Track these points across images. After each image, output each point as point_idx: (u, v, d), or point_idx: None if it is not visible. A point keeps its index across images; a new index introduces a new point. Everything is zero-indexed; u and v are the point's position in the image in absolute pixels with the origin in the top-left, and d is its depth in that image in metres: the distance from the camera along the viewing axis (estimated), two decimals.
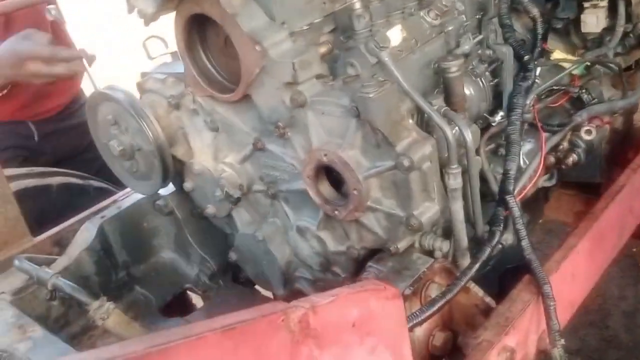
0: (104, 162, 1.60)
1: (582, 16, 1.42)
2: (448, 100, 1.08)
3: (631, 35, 1.49)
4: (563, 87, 1.41)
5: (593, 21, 1.41)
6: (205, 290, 1.52)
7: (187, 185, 1.34)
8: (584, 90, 1.48)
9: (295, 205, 1.21)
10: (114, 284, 1.46)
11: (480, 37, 1.22)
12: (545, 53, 1.45)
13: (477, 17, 1.23)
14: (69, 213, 1.89)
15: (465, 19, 1.19)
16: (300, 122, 1.07)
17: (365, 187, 1.01)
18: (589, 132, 1.31)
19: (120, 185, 2.20)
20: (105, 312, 1.20)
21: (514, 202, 1.08)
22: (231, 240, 1.46)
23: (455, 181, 1.01)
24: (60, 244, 1.57)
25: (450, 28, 1.17)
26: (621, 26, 1.42)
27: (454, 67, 1.07)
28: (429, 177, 0.98)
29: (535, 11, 1.45)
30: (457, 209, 1.04)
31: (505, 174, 1.13)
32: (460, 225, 1.05)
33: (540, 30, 1.44)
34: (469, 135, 1.00)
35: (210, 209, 1.34)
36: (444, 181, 1.02)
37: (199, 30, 1.16)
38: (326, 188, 1.09)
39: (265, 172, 1.22)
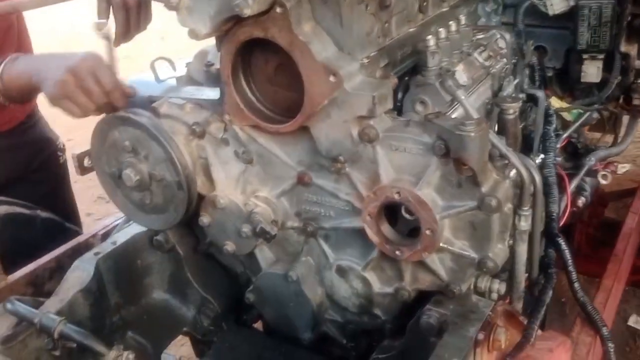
0: (52, 187, 1.41)
1: (584, 67, 1.51)
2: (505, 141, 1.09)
3: (617, 87, 1.60)
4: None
5: (594, 72, 1.50)
6: (204, 334, 1.40)
7: (204, 219, 1.23)
8: (576, 137, 1.57)
9: (337, 243, 1.15)
10: (107, 328, 1.30)
11: (517, 80, 1.25)
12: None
13: (513, 61, 1.26)
14: (16, 246, 1.70)
15: (506, 62, 1.22)
16: (365, 158, 1.03)
17: (440, 227, 0.98)
18: (605, 176, 1.38)
19: (67, 218, 2.03)
20: None
21: (565, 245, 1.09)
22: (242, 280, 1.36)
23: (525, 223, 1.01)
24: (35, 283, 1.39)
25: (494, 70, 1.18)
26: (616, 78, 1.52)
27: (512, 109, 1.08)
28: (509, 219, 0.97)
29: (534, 59, 1.52)
30: (522, 251, 1.03)
31: (549, 215, 1.15)
32: (521, 268, 1.05)
33: (538, 78, 1.51)
34: (538, 177, 1.01)
35: (229, 246, 1.24)
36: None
37: (244, 56, 1.09)
38: (387, 228, 1.04)
39: (305, 207, 1.15)
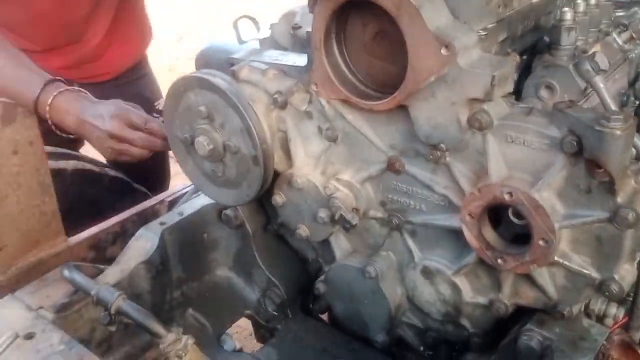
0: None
1: None
2: None
3: None
4: None
5: None
6: (268, 320, 1.30)
7: (278, 198, 1.11)
8: None
9: (426, 241, 1.02)
10: (167, 304, 1.22)
11: None
12: None
13: None
14: (82, 202, 1.65)
15: None
16: (472, 148, 0.88)
17: (557, 238, 0.82)
18: None
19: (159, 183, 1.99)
20: (183, 348, 0.96)
21: None
22: (313, 267, 1.25)
23: None
24: (97, 247, 1.32)
25: (633, 55, 1.00)
26: None
27: None
28: None
29: None
30: None
31: None
32: None
33: None
34: None
35: (302, 230, 1.12)
36: None
37: (339, 20, 0.95)
38: (490, 231, 0.89)
39: (392, 197, 1.01)
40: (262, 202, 1.23)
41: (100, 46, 1.83)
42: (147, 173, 1.81)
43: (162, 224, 1.20)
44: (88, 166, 1.77)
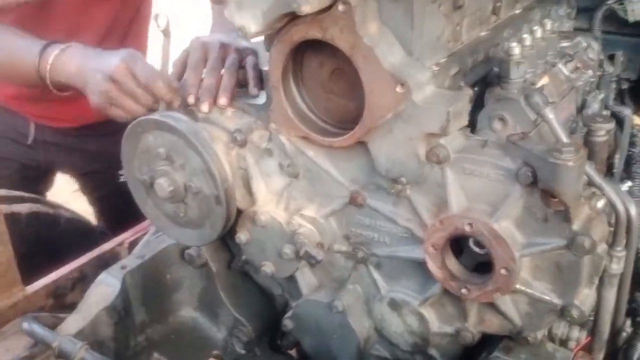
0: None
1: None
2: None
3: None
4: None
5: None
6: (236, 359, 1.28)
7: (242, 236, 1.11)
8: None
9: (391, 273, 1.02)
10: (131, 350, 1.19)
11: (602, 96, 1.10)
12: None
13: (599, 73, 1.11)
14: (39, 246, 1.61)
15: (592, 74, 1.07)
16: (431, 181, 0.89)
17: (517, 266, 0.84)
18: None
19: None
20: None
21: None
22: (279, 304, 1.24)
23: (618, 266, 0.87)
24: (56, 294, 1.29)
25: (579, 83, 1.04)
26: None
27: (602, 131, 0.94)
28: (601, 261, 0.83)
29: (611, 69, 1.36)
30: (610, 297, 0.89)
31: (637, 253, 1.00)
32: (607, 316, 0.91)
33: (615, 91, 1.35)
34: (634, 210, 0.86)
35: (267, 267, 1.11)
36: None
37: (295, 58, 0.96)
38: (454, 262, 0.91)
39: (356, 231, 1.02)
40: (226, 239, 1.22)
41: None
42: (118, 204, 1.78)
43: (123, 267, 1.18)
44: (43, 208, 1.73)
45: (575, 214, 0.79)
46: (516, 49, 0.88)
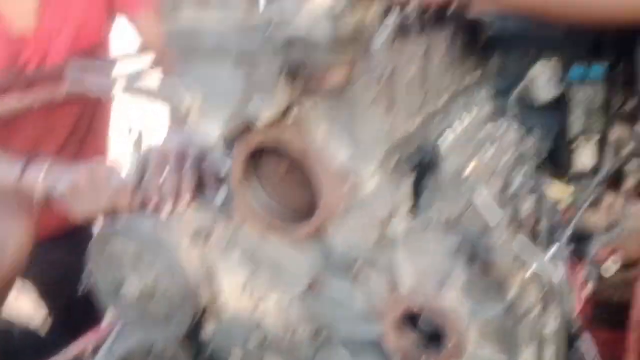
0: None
1: (576, 152, 1.52)
2: None
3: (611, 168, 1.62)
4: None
5: (587, 157, 1.51)
6: None
7: (209, 329, 1.16)
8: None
9: (353, 353, 1.09)
10: None
11: (524, 170, 1.24)
12: None
13: (518, 151, 1.26)
14: None
15: (514, 152, 1.21)
16: (384, 262, 0.99)
17: (465, 335, 0.93)
18: (609, 266, 1.36)
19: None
20: None
21: (589, 342, 1.06)
22: None
23: (551, 324, 0.97)
24: None
25: (503, 162, 1.18)
26: (609, 162, 1.54)
27: (526, 204, 1.06)
28: (536, 324, 0.94)
29: (529, 144, 1.53)
30: (548, 355, 0.99)
31: (566, 313, 1.11)
32: None
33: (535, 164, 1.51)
34: (559, 275, 0.98)
35: (235, 357, 1.16)
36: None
37: (254, 158, 1.06)
38: (409, 337, 0.99)
39: (319, 314, 1.09)
40: (192, 333, 1.26)
41: None
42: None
43: None
44: None
45: (510, 284, 0.90)
46: (444, 142, 1.01)
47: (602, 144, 1.53)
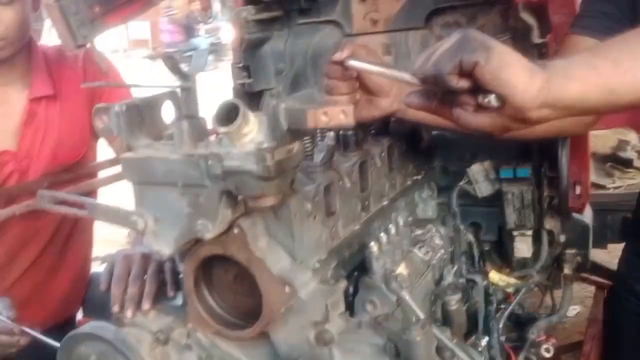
0: None
1: (515, 244, 1.66)
2: (450, 331, 1.18)
3: (548, 257, 1.75)
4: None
5: (525, 247, 1.65)
6: None
7: None
8: (519, 307, 1.68)
9: None
10: None
11: (455, 267, 1.37)
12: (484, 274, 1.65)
13: (450, 250, 1.39)
14: None
15: (443, 252, 1.35)
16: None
17: None
18: (548, 349, 1.47)
19: None
20: None
21: None
22: None
23: None
24: None
25: (434, 262, 1.31)
26: (545, 251, 1.67)
27: (453, 301, 1.18)
28: None
29: (470, 237, 1.67)
30: None
31: None
32: None
33: (477, 253, 1.65)
34: None
35: None
36: None
37: (204, 267, 1.18)
38: None
39: None
40: None
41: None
42: None
43: None
44: None
45: None
46: (374, 247, 1.14)
47: (537, 235, 1.67)
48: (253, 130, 0.94)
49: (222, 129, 0.92)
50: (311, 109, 0.87)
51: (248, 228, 1.08)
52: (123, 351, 1.17)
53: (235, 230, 1.07)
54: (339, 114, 0.85)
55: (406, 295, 1.07)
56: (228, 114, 0.93)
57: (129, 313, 1.25)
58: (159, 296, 1.30)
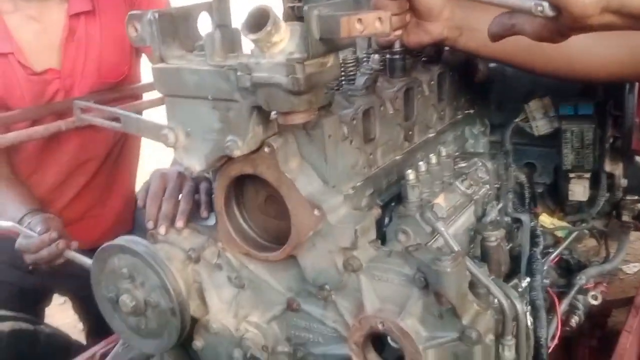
0: None
1: (570, 185, 1.56)
2: (488, 267, 1.12)
3: (606, 203, 1.64)
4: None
5: (581, 190, 1.54)
6: None
7: (198, 343, 1.25)
8: (569, 253, 1.59)
9: None
10: None
11: (501, 205, 1.29)
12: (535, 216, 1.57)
13: (496, 186, 1.31)
14: None
15: (488, 188, 1.27)
16: (350, 287, 1.06)
17: (423, 358, 0.99)
18: (595, 297, 1.39)
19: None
20: None
21: None
22: None
23: (509, 353, 1.02)
24: None
25: (477, 197, 1.23)
26: (603, 196, 1.56)
27: (493, 237, 1.12)
28: (491, 350, 0.98)
29: (522, 177, 1.57)
30: None
31: (538, 341, 1.15)
32: None
33: (528, 195, 1.56)
34: (520, 306, 1.03)
35: None
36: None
37: (236, 187, 1.15)
38: (374, 356, 1.06)
39: (295, 333, 1.17)
40: (186, 348, 1.35)
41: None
42: None
43: None
44: (24, 325, 1.85)
45: (463, 310, 0.96)
46: (411, 175, 1.08)
47: (595, 178, 1.56)
48: (284, 40, 0.89)
49: (251, 36, 0.87)
50: (345, 16, 0.80)
51: (279, 147, 1.04)
52: (153, 265, 1.18)
53: (266, 149, 1.03)
54: (374, 21, 0.78)
55: (441, 227, 1.02)
56: (258, 21, 0.87)
57: (162, 230, 1.25)
58: (194, 216, 1.30)
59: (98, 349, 1.55)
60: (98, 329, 2.18)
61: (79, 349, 1.83)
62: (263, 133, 1.02)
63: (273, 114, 1.01)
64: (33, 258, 1.62)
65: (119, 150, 2.09)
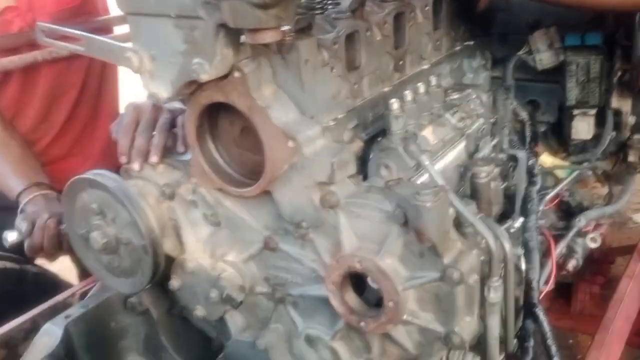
0: None
1: (574, 123, 1.46)
2: (477, 205, 1.04)
3: (612, 142, 1.55)
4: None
5: (585, 128, 1.45)
6: None
7: (174, 283, 1.20)
8: (570, 194, 1.51)
9: (306, 311, 1.11)
10: None
11: (496, 140, 1.21)
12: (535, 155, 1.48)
13: (491, 121, 1.22)
14: (5, 302, 1.70)
15: (483, 122, 1.18)
16: (327, 224, 0.99)
17: (403, 298, 0.93)
18: (594, 239, 1.32)
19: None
20: None
21: (544, 316, 1.03)
22: (216, 345, 1.32)
23: (495, 294, 0.95)
24: (9, 345, 1.36)
25: (470, 131, 1.15)
26: (609, 134, 1.47)
27: (484, 173, 1.04)
28: (475, 291, 0.92)
29: (524, 114, 1.48)
30: (494, 324, 0.98)
31: (529, 283, 1.09)
32: (494, 341, 0.99)
33: (528, 134, 1.47)
34: (508, 245, 0.96)
35: (199, 311, 1.20)
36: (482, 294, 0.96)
37: (210, 118, 1.07)
38: (352, 297, 1.00)
39: (273, 273, 1.11)
40: (165, 286, 1.30)
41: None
42: None
43: (67, 317, 1.26)
44: (9, 265, 1.82)
45: (444, 250, 0.89)
46: (395, 105, 0.99)
47: (601, 115, 1.47)
48: None
49: None
50: None
51: (251, 72, 0.95)
52: (123, 201, 1.11)
53: (237, 74, 0.95)
54: None
55: (425, 160, 0.94)
56: None
57: (135, 165, 1.18)
58: (170, 151, 1.22)
59: (78, 287, 1.51)
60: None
61: (68, 287, 1.80)
62: (233, 56, 0.93)
63: (243, 38, 0.92)
64: (42, 256, 1.61)
65: (99, 81, 2.01)
